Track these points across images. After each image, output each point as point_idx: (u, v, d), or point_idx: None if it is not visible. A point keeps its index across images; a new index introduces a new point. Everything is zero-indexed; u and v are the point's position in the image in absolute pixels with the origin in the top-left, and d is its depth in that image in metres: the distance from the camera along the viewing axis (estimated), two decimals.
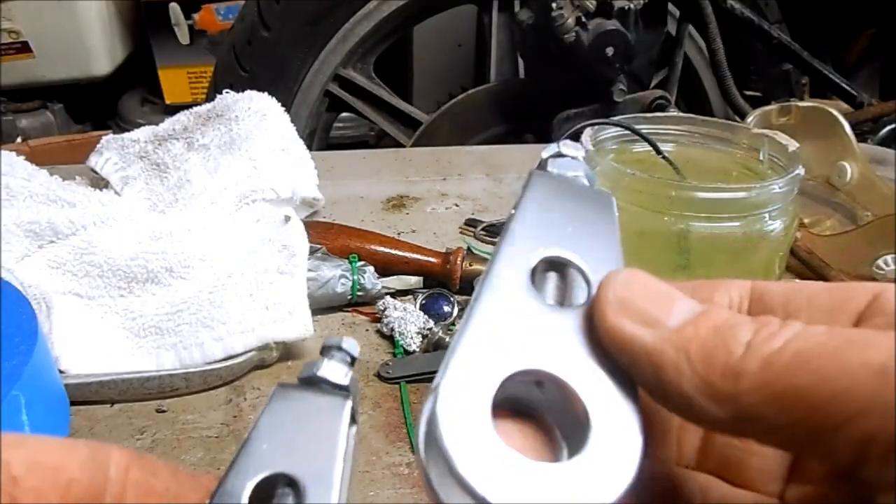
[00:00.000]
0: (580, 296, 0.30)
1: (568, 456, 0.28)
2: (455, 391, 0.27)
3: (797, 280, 0.32)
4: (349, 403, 0.31)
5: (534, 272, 0.31)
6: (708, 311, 0.27)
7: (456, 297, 0.91)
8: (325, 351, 0.32)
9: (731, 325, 0.25)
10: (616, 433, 0.27)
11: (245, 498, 0.29)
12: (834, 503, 0.29)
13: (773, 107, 1.10)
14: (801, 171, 0.73)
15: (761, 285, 0.30)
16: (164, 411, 0.73)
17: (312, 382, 0.32)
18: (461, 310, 0.90)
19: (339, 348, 0.32)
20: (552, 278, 0.31)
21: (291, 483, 0.29)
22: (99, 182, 0.96)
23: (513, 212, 0.33)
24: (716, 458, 0.32)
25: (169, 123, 1.02)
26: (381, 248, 0.94)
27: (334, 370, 0.32)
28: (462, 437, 0.26)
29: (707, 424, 0.26)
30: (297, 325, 0.77)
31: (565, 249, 0.31)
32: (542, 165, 0.35)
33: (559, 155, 0.35)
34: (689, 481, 0.32)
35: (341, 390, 0.32)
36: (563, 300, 0.31)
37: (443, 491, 0.26)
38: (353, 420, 0.32)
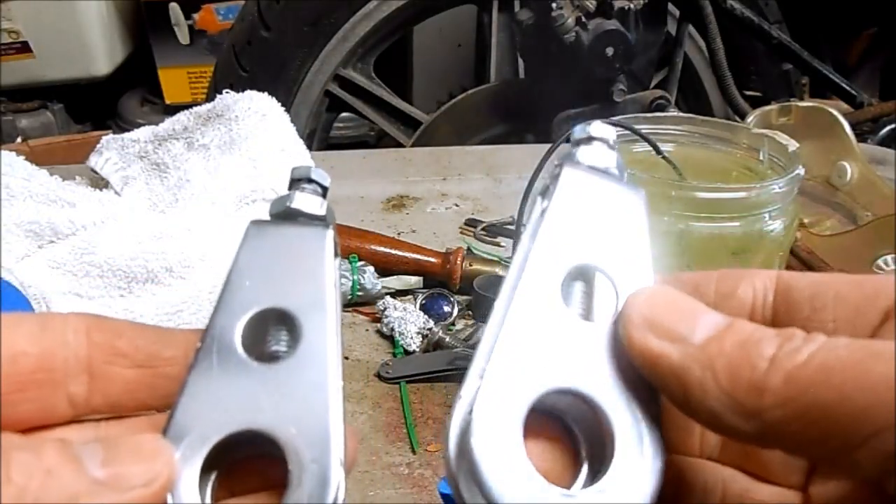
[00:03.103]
0: (607, 304, 0.30)
1: (588, 467, 0.29)
2: (489, 409, 0.27)
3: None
4: (331, 231, 0.30)
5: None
6: (732, 326, 0.27)
7: (456, 297, 0.91)
8: (295, 184, 0.31)
9: (756, 340, 0.25)
10: (637, 461, 0.27)
11: (238, 337, 0.28)
12: (857, 499, 0.29)
13: (773, 107, 1.10)
14: (801, 171, 0.73)
15: (787, 277, 0.30)
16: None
17: (287, 216, 0.30)
18: (461, 310, 0.90)
19: (310, 179, 0.31)
20: (579, 286, 0.31)
21: (283, 318, 0.29)
22: (99, 182, 0.96)
23: (543, 204, 0.31)
24: (738, 449, 0.32)
25: (169, 123, 1.02)
26: (381, 248, 0.94)
27: (308, 201, 0.31)
28: (494, 459, 0.26)
29: (734, 437, 0.26)
30: None
31: (594, 257, 0.30)
32: (572, 152, 0.33)
33: (589, 139, 0.33)
34: (710, 473, 0.32)
35: (319, 220, 0.30)
36: (589, 308, 0.30)
37: (470, 499, 0.26)
38: (335, 251, 0.31)
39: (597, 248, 0.30)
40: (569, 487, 0.28)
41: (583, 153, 0.33)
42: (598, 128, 0.33)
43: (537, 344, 0.28)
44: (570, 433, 0.30)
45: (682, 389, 0.26)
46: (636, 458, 0.27)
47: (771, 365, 0.24)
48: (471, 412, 0.27)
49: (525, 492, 0.26)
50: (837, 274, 0.29)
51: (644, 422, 0.28)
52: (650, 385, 0.28)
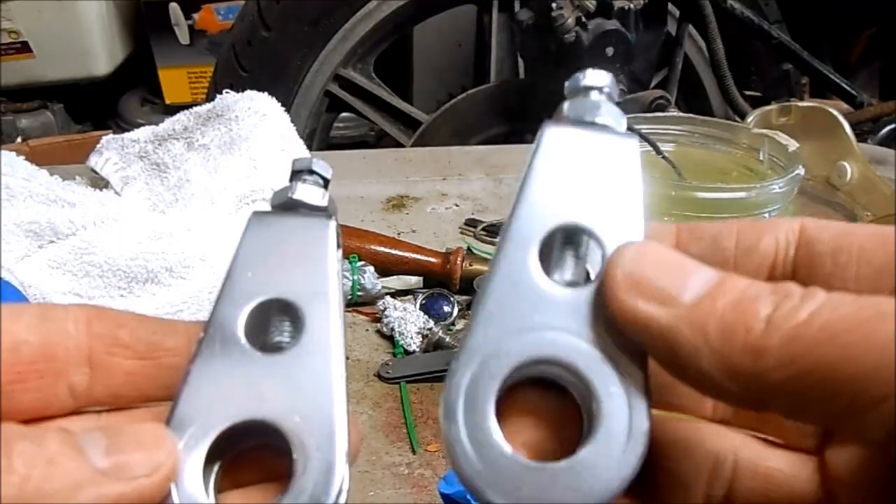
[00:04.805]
0: (599, 267, 0.28)
1: (588, 428, 0.28)
2: (461, 391, 0.27)
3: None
4: (333, 222, 0.30)
5: (550, 243, 0.29)
6: (724, 283, 0.25)
7: (456, 297, 0.91)
8: (296, 175, 0.31)
9: (750, 299, 0.24)
10: (623, 426, 0.26)
11: (240, 327, 0.28)
12: (874, 462, 0.27)
13: (773, 107, 1.10)
14: (801, 171, 0.73)
15: (811, 229, 0.28)
16: None
17: (289, 207, 0.30)
18: (461, 310, 0.90)
19: (311, 171, 0.31)
20: (568, 250, 0.29)
21: (286, 309, 0.29)
22: (99, 182, 0.96)
23: (525, 172, 0.30)
24: (753, 412, 0.30)
25: (169, 123, 1.02)
26: (381, 248, 0.94)
27: (310, 192, 0.30)
28: (465, 440, 0.26)
29: (729, 401, 0.25)
30: None
31: (579, 217, 0.29)
32: (560, 107, 0.31)
33: (583, 89, 0.31)
34: (722, 440, 0.31)
35: (321, 211, 0.30)
36: (580, 274, 0.29)
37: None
38: (338, 243, 0.30)
39: (581, 208, 0.29)
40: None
41: (570, 107, 0.30)
42: (592, 76, 0.31)
43: (514, 315, 0.27)
44: (571, 401, 0.29)
45: (672, 353, 0.25)
46: (617, 425, 0.26)
47: (768, 325, 0.23)
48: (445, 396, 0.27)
49: (490, 462, 0.26)
50: (861, 226, 0.27)
51: (628, 386, 0.27)
52: (637, 347, 0.27)
